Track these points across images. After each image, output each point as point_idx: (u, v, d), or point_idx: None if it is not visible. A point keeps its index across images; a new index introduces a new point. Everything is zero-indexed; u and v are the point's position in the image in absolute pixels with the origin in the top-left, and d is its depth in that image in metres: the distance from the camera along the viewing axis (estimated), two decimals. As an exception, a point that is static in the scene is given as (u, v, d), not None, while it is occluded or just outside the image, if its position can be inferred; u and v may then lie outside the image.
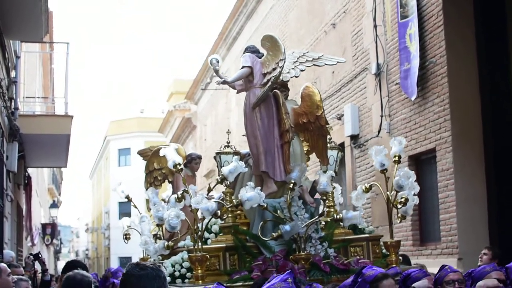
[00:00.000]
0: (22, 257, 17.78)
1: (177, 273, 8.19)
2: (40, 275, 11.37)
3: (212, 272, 7.89)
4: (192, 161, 10.33)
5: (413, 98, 13.21)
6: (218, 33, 29.14)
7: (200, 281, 7.57)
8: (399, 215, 8.39)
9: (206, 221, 7.85)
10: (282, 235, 7.92)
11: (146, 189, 10.76)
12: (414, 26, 13.10)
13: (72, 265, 8.39)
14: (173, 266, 8.26)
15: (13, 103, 15.36)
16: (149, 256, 10.56)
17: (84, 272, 5.78)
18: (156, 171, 10.85)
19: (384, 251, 8.86)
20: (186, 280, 8.11)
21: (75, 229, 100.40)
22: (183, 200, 7.83)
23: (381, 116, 14.70)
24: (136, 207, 10.99)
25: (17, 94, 15.99)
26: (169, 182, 10.94)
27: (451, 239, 12.31)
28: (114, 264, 49.39)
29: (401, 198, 8.23)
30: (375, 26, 14.97)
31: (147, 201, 10.33)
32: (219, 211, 7.85)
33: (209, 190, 8.51)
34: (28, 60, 21.99)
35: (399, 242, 8.67)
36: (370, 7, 15.27)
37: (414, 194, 8.27)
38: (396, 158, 8.36)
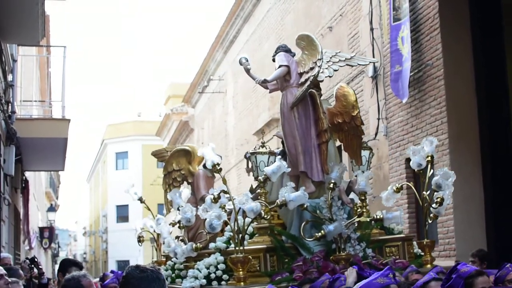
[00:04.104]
0: (20, 261, 17.77)
1: (212, 275, 8.10)
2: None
3: (252, 274, 7.84)
4: None
5: (404, 101, 13.22)
6: (215, 36, 29.16)
7: (242, 283, 7.54)
8: (431, 215, 8.43)
9: (247, 221, 7.75)
10: (325, 235, 7.90)
11: (165, 190, 10.78)
12: (406, 29, 13.09)
13: (68, 263, 8.38)
14: (207, 268, 8.19)
15: (10, 107, 15.35)
16: (163, 260, 10.54)
17: (80, 273, 5.78)
18: (175, 172, 10.89)
19: (415, 250, 8.92)
20: (223, 282, 8.04)
21: (73, 232, 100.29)
22: (219, 200, 7.74)
23: (378, 119, 14.72)
24: (149, 209, 11.04)
25: (14, 97, 15.97)
26: (188, 183, 10.95)
27: (448, 241, 12.32)
28: (112, 268, 49.29)
29: (437, 198, 8.27)
30: (371, 29, 15.00)
31: (169, 202, 10.33)
32: (262, 212, 7.82)
33: (252, 190, 8.46)
34: (25, 64, 21.98)
35: (433, 242, 8.72)
36: (366, 10, 15.29)
37: (449, 194, 8.34)
38: (429, 158, 8.39)
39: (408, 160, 13.64)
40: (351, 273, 6.48)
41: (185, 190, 11.14)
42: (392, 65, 13.52)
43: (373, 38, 14.93)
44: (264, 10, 23.57)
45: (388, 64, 14.27)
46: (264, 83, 9.09)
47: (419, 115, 13.17)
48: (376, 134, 14.88)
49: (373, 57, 14.78)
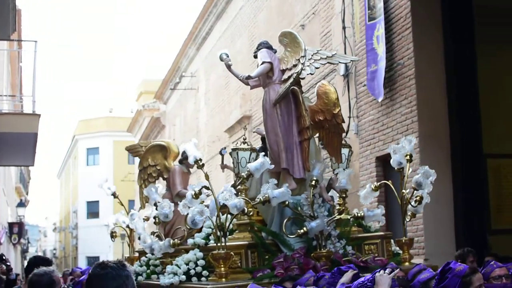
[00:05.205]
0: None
1: (192, 271, 8.03)
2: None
3: (233, 270, 7.78)
4: (188, 158, 10.32)
5: (379, 100, 13.26)
6: (187, 33, 29.08)
7: (223, 279, 7.48)
8: (409, 213, 8.48)
9: (230, 217, 7.64)
10: (307, 232, 7.89)
11: (140, 186, 10.73)
12: (381, 28, 13.14)
13: (35, 261, 8.27)
14: (186, 264, 8.11)
15: (-20, 101, 15.23)
16: (136, 255, 10.46)
17: (49, 269, 5.75)
18: (150, 168, 10.83)
19: (391, 248, 8.94)
20: (203, 279, 7.96)
21: (43, 228, 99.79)
22: (199, 196, 7.66)
23: (349, 117, 14.74)
24: (122, 205, 10.97)
25: (-16, 92, 15.85)
26: (164, 179, 10.90)
27: (417, 239, 12.37)
28: (82, 264, 49.13)
29: (416, 196, 8.32)
30: (343, 28, 15.02)
31: (144, 198, 10.29)
32: (245, 208, 7.78)
33: (234, 186, 8.45)
34: (-5, 58, 21.83)
35: (412, 240, 8.75)
36: (339, 9, 15.32)
37: (427, 193, 8.38)
38: (408, 157, 8.44)
39: (378, 158, 13.72)
40: (347, 275, 6.36)
41: (160, 186, 11.11)
42: (368, 64, 13.55)
43: (345, 36, 14.95)
44: (237, 7, 23.55)
45: (359, 63, 14.30)
46: (248, 79, 9.07)
47: (390, 114, 13.21)
48: (346, 133, 14.87)
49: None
